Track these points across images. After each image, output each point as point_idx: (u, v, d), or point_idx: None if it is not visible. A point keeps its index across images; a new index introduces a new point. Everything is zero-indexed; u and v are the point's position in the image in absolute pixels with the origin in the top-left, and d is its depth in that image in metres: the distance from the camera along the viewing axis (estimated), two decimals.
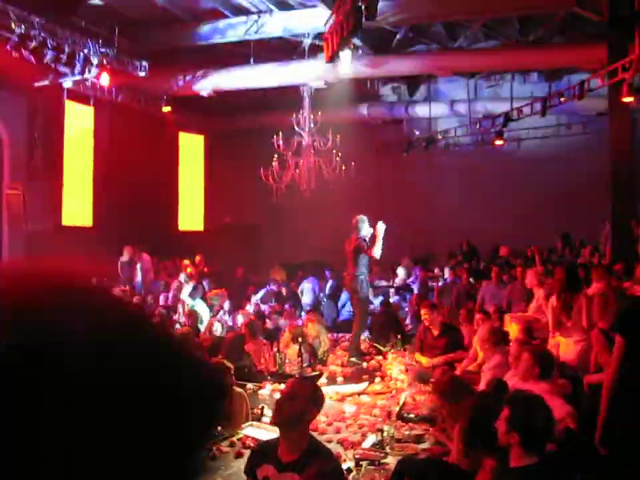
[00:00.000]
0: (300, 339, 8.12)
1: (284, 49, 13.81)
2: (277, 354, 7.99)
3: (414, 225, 16.08)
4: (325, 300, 13.14)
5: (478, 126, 14.19)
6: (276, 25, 12.39)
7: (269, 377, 7.60)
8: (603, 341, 5.16)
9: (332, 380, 7.73)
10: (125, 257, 13.52)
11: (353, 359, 8.61)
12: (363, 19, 9.10)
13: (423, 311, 8.17)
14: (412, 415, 6.04)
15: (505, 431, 3.15)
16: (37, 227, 13.15)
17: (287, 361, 7.91)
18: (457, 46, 12.96)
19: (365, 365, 8.51)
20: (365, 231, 8.90)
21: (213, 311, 10.58)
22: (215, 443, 5.12)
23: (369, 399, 6.89)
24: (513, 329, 7.19)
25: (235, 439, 5.29)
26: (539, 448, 3.15)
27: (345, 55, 11.01)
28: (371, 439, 5.32)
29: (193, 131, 17.98)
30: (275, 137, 13.92)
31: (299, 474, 3.32)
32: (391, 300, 11.99)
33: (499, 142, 13.28)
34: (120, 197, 14.32)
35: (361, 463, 4.81)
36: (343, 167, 14.01)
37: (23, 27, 10.12)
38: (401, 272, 13.83)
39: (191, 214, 18.50)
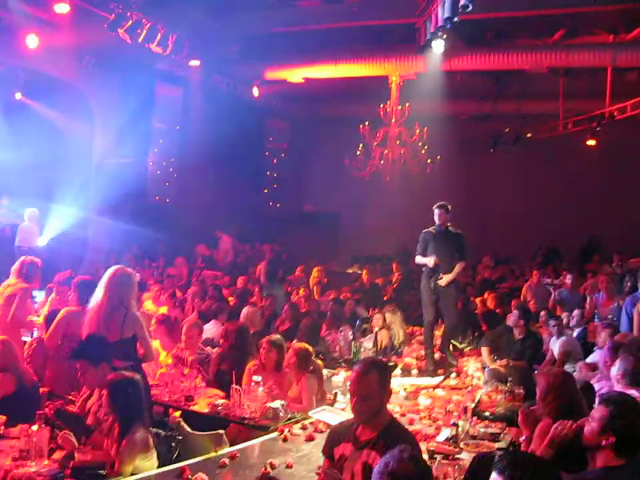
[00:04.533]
0: (376, 329, 8.08)
1: (375, 38, 13.68)
2: (353, 342, 7.97)
3: (497, 222, 15.75)
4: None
5: (570, 125, 13.73)
6: (367, 13, 12.28)
7: (343, 364, 7.60)
8: None
9: (406, 372, 7.65)
10: None
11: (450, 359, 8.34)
12: (459, 8, 8.89)
13: (513, 312, 8.03)
14: (487, 413, 5.91)
15: (598, 431, 3.01)
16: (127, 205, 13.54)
17: (362, 349, 7.88)
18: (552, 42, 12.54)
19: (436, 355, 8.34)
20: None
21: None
22: (287, 425, 5.14)
23: (444, 393, 6.78)
24: (602, 337, 7.03)
25: (307, 422, 5.28)
26: (632, 452, 2.99)
27: (438, 44, 10.79)
28: (445, 433, 5.21)
29: (278, 117, 18.10)
30: (360, 126, 13.88)
31: (377, 452, 3.28)
32: None
33: (591, 142, 12.81)
34: (201, 177, 14.58)
35: (435, 456, 4.71)
36: (428, 160, 13.85)
37: (120, 7, 10.37)
38: (480, 269, 13.57)
39: (274, 199, 18.70)
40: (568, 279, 11.16)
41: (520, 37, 13.09)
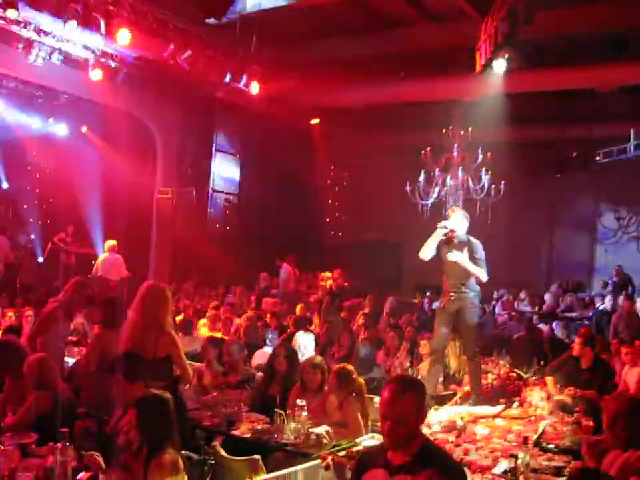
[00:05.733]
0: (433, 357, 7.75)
1: (435, 62, 13.50)
2: (409, 369, 7.67)
3: (565, 250, 15.19)
4: None
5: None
6: (426, 36, 12.16)
7: None
8: None
9: (465, 400, 7.27)
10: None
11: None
12: (519, 23, 8.65)
13: (576, 340, 7.56)
14: (552, 445, 5.50)
15: None
16: (183, 232, 13.61)
17: (418, 376, 7.55)
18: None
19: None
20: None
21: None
22: (331, 453, 4.87)
23: (504, 422, 6.37)
24: None
25: (353, 449, 5.00)
26: None
27: (499, 65, 10.52)
28: (503, 465, 4.85)
29: (339, 145, 18.03)
30: (423, 152, 13.66)
31: (413, 476, 2.99)
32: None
33: None
34: (262, 205, 14.59)
35: None
36: (492, 186, 13.50)
37: (180, 36, 10.55)
38: (548, 298, 13.05)
39: (335, 228, 18.59)
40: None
41: (584, 57, 12.68)
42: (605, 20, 11.10)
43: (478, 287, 7.22)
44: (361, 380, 5.86)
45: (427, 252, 7.14)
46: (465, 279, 7.11)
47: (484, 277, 7.09)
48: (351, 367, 5.72)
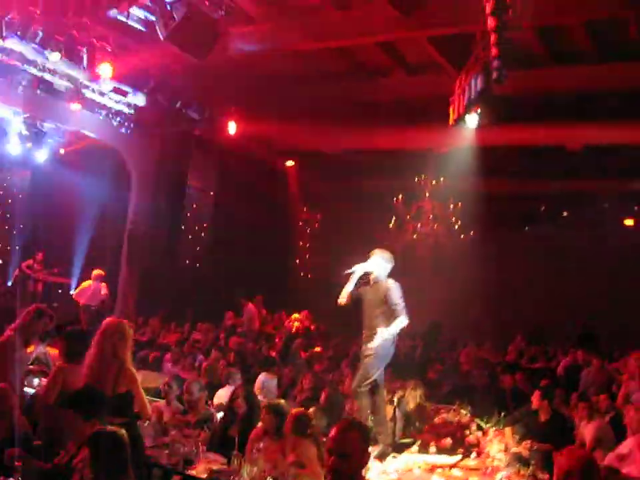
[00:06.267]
0: (396, 402, 7.78)
1: (409, 112, 13.79)
2: (369, 415, 7.64)
3: (530, 300, 15.38)
4: None
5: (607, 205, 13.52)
6: (403, 87, 12.44)
7: None
8: None
9: (424, 449, 7.28)
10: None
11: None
12: (492, 81, 8.90)
13: (535, 393, 7.67)
14: None
15: None
16: (153, 266, 13.62)
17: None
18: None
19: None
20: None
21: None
22: None
23: (461, 473, 6.42)
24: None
25: None
26: None
27: (471, 119, 10.76)
28: None
29: (313, 188, 18.23)
30: (394, 199, 13.88)
31: None
32: None
33: (629, 222, 12.56)
34: (232, 243, 14.65)
35: None
36: (462, 236, 13.73)
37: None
38: (512, 348, 13.17)
39: (305, 269, 18.64)
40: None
41: (554, 115, 13.06)
42: (573, 81, 11.51)
43: (391, 330, 6.91)
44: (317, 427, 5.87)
45: (342, 296, 7.10)
46: (377, 321, 6.98)
47: (399, 322, 6.90)
48: (308, 413, 5.74)
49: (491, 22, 7.66)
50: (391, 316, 6.90)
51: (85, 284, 13.62)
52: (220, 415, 6.62)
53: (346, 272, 7.09)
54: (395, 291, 6.96)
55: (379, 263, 7.13)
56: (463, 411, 8.61)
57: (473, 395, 9.83)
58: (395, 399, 8.13)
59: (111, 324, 5.35)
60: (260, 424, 5.83)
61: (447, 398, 10.48)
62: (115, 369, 5.14)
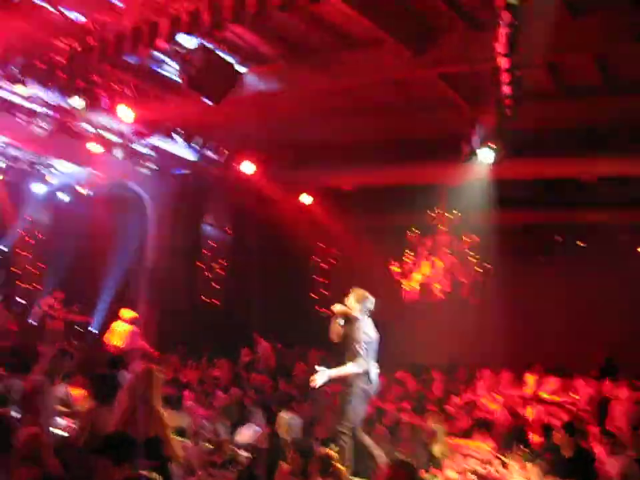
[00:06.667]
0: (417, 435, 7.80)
1: (422, 147, 13.93)
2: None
3: (549, 333, 15.31)
4: None
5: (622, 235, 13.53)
6: (416, 124, 12.60)
7: None
8: None
9: None
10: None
11: None
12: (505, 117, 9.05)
13: (558, 429, 7.70)
14: None
15: None
16: (175, 305, 13.73)
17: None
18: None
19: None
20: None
21: None
22: None
23: None
24: None
25: None
26: None
27: (484, 154, 10.89)
28: None
29: (329, 224, 18.35)
30: (409, 234, 13.96)
31: None
32: None
33: None
34: (248, 278, 14.76)
35: None
36: (478, 268, 13.75)
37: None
38: (530, 380, 13.12)
39: (322, 304, 18.65)
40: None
41: (568, 148, 13.17)
42: (584, 114, 11.63)
43: (332, 373, 7.21)
44: (342, 468, 5.89)
45: (330, 334, 7.47)
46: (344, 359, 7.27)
47: (348, 367, 7.16)
48: (333, 453, 5.78)
49: (502, 62, 7.82)
50: (354, 356, 7.17)
51: (121, 327, 13.20)
52: (244, 454, 6.65)
53: (324, 312, 7.59)
54: (358, 330, 7.28)
55: (352, 300, 7.56)
56: (485, 446, 8.61)
57: (493, 428, 9.81)
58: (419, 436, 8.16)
59: (143, 370, 5.42)
60: (285, 464, 5.87)
61: (467, 432, 10.49)
62: (146, 414, 5.21)
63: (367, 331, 7.47)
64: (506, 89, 8.46)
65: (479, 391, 13.06)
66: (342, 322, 7.42)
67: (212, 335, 14.56)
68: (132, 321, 13.16)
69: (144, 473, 4.25)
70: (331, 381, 7.33)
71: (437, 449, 8.39)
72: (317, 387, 7.21)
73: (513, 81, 8.29)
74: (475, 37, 9.58)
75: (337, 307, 7.50)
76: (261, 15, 7.64)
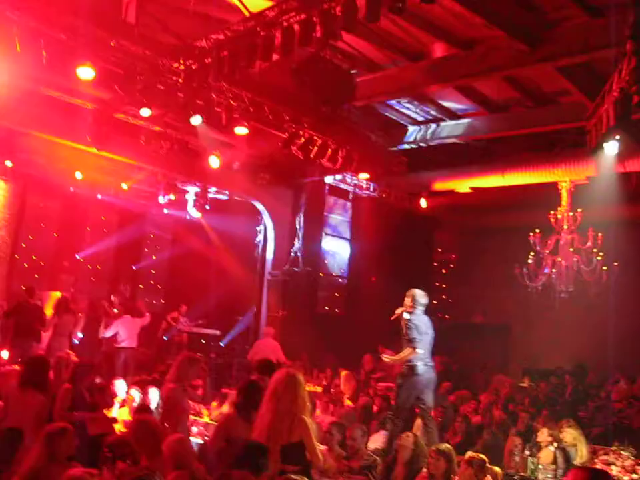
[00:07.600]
0: (555, 444, 7.49)
1: (543, 144, 13.51)
2: (530, 457, 7.42)
3: None
4: None
5: None
6: (534, 119, 12.25)
7: None
8: None
9: None
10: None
11: None
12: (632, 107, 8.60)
13: None
14: None
15: None
16: (297, 314, 13.89)
17: (539, 466, 7.32)
18: None
19: None
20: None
21: None
22: None
23: None
24: None
25: None
26: None
27: (610, 147, 10.42)
28: None
29: (446, 228, 18.13)
30: (531, 234, 13.53)
31: None
32: None
33: None
34: (370, 287, 14.74)
35: None
36: (604, 268, 13.14)
37: (292, 126, 11.10)
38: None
39: (441, 310, 18.45)
40: None
41: None
42: None
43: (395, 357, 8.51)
44: (497, 470, 5.74)
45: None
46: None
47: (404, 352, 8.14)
48: (483, 456, 5.62)
49: (629, 45, 7.45)
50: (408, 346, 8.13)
51: (268, 344, 13.51)
52: (381, 460, 6.61)
53: (392, 317, 8.39)
54: (410, 325, 8.14)
55: (409, 301, 8.37)
56: (625, 453, 8.17)
57: (629, 435, 9.33)
58: (555, 443, 7.83)
59: (286, 376, 5.40)
60: (425, 469, 5.78)
61: (600, 438, 10.02)
62: (290, 419, 5.20)
63: (419, 324, 8.21)
64: (633, 75, 8.03)
65: (614, 395, 12.47)
66: (407, 316, 8.21)
67: (334, 344, 14.62)
68: (274, 336, 13.56)
69: (296, 477, 4.24)
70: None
71: (578, 456, 8.01)
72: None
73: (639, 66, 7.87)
74: (593, 23, 9.23)
75: (398, 310, 8.32)
76: (371, 20, 7.62)
